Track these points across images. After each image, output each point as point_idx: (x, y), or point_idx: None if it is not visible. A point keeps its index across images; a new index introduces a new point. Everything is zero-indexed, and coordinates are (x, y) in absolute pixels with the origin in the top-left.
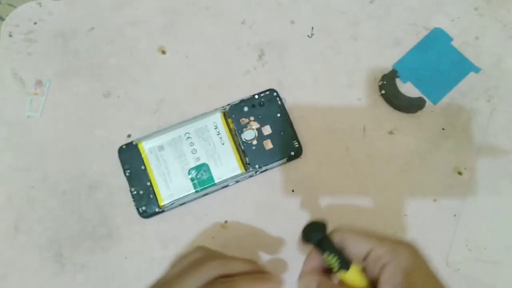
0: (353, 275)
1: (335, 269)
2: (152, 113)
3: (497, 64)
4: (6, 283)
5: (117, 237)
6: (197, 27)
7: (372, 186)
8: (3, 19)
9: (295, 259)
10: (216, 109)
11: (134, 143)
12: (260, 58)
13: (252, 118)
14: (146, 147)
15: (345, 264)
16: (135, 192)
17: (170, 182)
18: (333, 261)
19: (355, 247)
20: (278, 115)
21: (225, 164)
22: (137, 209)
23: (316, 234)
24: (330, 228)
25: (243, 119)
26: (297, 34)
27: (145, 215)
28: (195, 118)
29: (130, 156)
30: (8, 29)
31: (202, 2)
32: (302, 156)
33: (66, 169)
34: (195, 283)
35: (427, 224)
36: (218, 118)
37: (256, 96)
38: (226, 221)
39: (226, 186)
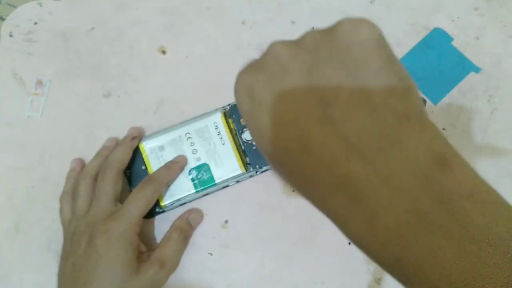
0: None
1: None
2: (152, 113)
3: (497, 64)
4: (6, 283)
5: None
6: (197, 27)
7: None
8: (3, 19)
9: (295, 258)
10: (216, 109)
11: None
12: None
13: None
14: (146, 147)
15: None
16: None
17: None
18: None
19: None
20: None
21: (226, 164)
22: None
23: None
24: None
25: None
26: (297, 34)
27: (145, 215)
28: (195, 118)
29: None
30: (8, 29)
31: (202, 2)
32: None
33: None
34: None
35: None
36: (218, 118)
37: None
38: (226, 221)
39: (227, 186)
